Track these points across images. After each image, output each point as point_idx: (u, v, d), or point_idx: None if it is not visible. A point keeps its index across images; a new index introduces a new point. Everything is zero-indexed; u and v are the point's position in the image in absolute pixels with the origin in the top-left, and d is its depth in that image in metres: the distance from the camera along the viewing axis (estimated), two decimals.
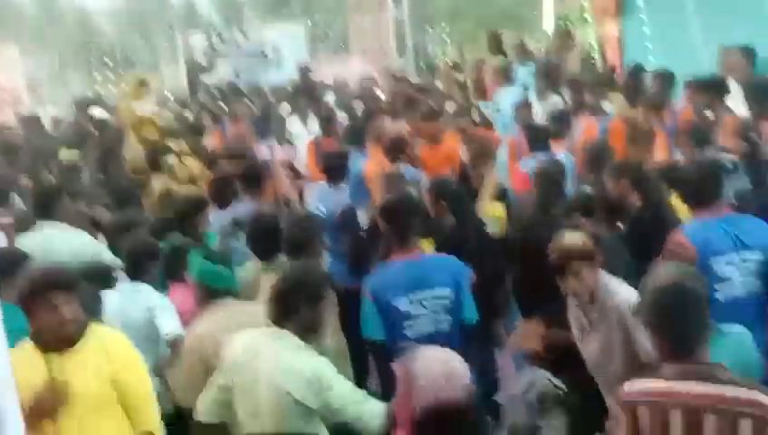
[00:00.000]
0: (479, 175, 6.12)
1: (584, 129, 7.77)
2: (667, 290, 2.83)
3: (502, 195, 6.68)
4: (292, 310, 3.45)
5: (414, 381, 2.75)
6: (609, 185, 5.21)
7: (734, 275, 4.15)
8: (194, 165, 7.81)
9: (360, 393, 3.47)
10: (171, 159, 7.71)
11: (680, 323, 2.79)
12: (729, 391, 2.69)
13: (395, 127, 8.08)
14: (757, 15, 8.51)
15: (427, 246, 4.83)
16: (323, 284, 3.57)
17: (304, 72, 13.40)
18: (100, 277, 4.69)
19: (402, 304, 4.14)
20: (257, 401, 3.42)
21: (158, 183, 7.35)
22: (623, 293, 3.79)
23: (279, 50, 18.86)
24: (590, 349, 3.97)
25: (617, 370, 3.77)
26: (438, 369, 2.76)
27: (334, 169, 6.52)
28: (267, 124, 10.06)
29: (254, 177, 6.11)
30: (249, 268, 4.75)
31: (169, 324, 4.35)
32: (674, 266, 3.23)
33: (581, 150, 6.55)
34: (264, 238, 4.73)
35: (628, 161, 5.73)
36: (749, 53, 8.49)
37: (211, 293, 4.20)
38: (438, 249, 4.86)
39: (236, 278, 4.36)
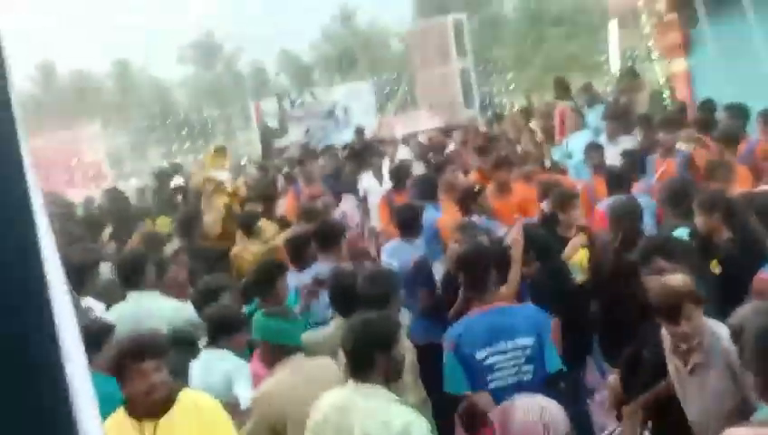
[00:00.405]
0: (565, 222, 6.07)
1: (660, 168, 7.67)
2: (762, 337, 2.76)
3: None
4: (367, 361, 3.46)
5: (512, 429, 2.75)
6: (700, 220, 5.03)
7: None
8: (270, 228, 7.97)
9: None
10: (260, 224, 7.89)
11: None
12: None
13: (466, 178, 8.15)
14: None
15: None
16: (392, 329, 3.58)
17: (359, 132, 13.66)
18: (189, 344, 4.80)
19: (484, 355, 4.14)
20: None
21: (252, 247, 7.50)
22: (726, 335, 3.66)
23: (348, 109, 19.24)
24: (693, 395, 3.81)
25: (727, 415, 3.61)
26: (536, 416, 2.76)
27: (407, 222, 6.56)
28: (338, 182, 10.26)
29: (330, 235, 6.19)
30: (334, 326, 4.82)
31: (247, 392, 4.42)
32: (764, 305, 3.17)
33: (661, 189, 6.26)
34: (345, 295, 4.80)
35: (717, 193, 5.38)
36: None
37: (275, 350, 4.21)
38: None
39: (300, 333, 4.35)
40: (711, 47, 10.27)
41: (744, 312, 3.20)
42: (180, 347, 4.46)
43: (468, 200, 6.94)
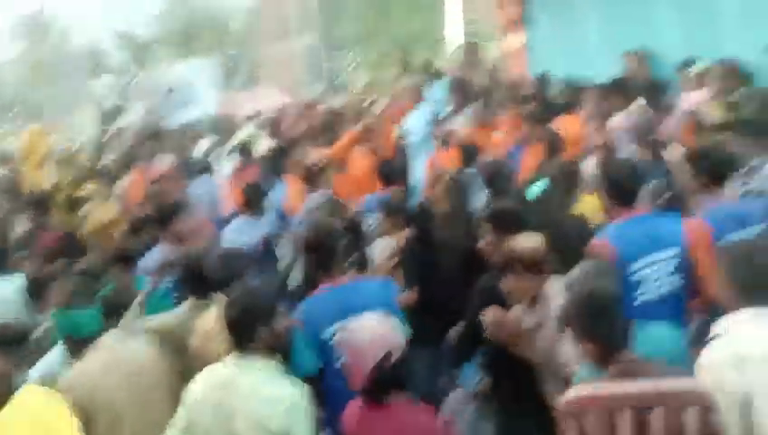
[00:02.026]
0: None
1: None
2: (590, 297, 2.93)
3: None
4: (250, 331, 3.38)
5: (353, 350, 3.06)
6: None
7: (655, 275, 4.22)
8: (108, 211, 7.65)
9: None
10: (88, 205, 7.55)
11: (607, 326, 2.89)
12: (669, 384, 2.76)
13: (313, 155, 8.10)
14: (650, 22, 8.85)
15: None
16: (273, 299, 3.52)
17: None
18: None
19: (331, 334, 4.07)
20: None
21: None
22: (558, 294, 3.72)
23: (191, 86, 18.70)
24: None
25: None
26: (373, 335, 3.07)
27: (252, 200, 6.47)
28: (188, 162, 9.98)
29: (165, 216, 5.95)
30: (186, 308, 4.65)
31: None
32: (587, 268, 3.32)
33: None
34: (195, 276, 4.65)
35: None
36: (646, 56, 8.85)
37: (80, 343, 3.94)
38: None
39: (97, 318, 4.03)
40: (545, 22, 10.66)
41: (575, 273, 3.35)
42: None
43: (314, 176, 6.90)
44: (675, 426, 2.71)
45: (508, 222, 4.34)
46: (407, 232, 5.49)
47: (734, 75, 7.01)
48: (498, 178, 5.85)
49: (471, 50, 12.65)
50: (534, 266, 3.79)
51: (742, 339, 2.96)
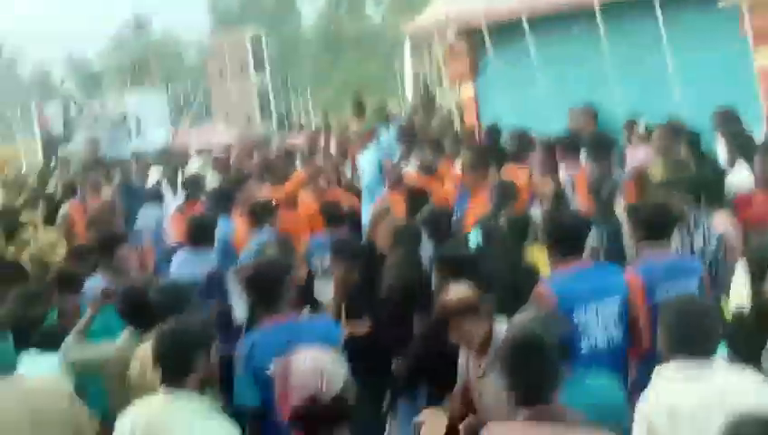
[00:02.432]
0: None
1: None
2: (515, 342, 2.96)
3: None
4: (184, 364, 3.31)
5: (288, 380, 2.91)
6: None
7: (596, 324, 4.27)
8: (50, 237, 7.51)
9: None
10: (27, 232, 7.39)
11: (528, 373, 2.89)
12: (578, 433, 2.80)
13: (260, 192, 8.11)
14: (597, 79, 9.13)
15: None
16: (208, 331, 3.45)
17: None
18: None
19: None
20: None
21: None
22: None
23: (140, 118, 18.59)
24: (485, 396, 3.92)
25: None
26: (312, 365, 2.90)
27: (199, 234, 6.44)
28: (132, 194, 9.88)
29: (107, 246, 5.88)
30: (123, 338, 4.57)
31: None
32: (529, 315, 3.38)
33: None
34: (136, 306, 4.57)
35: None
36: (592, 111, 9.10)
37: None
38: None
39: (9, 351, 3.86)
40: (495, 75, 10.87)
41: (516, 318, 3.41)
42: None
43: (264, 214, 6.88)
44: None
45: (453, 268, 4.41)
46: (353, 271, 5.52)
47: (677, 134, 7.25)
48: (439, 226, 5.93)
49: (426, 98, 12.88)
50: (467, 315, 3.81)
51: (674, 391, 3.05)
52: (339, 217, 6.76)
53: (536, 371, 2.88)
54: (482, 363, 3.90)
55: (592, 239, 5.60)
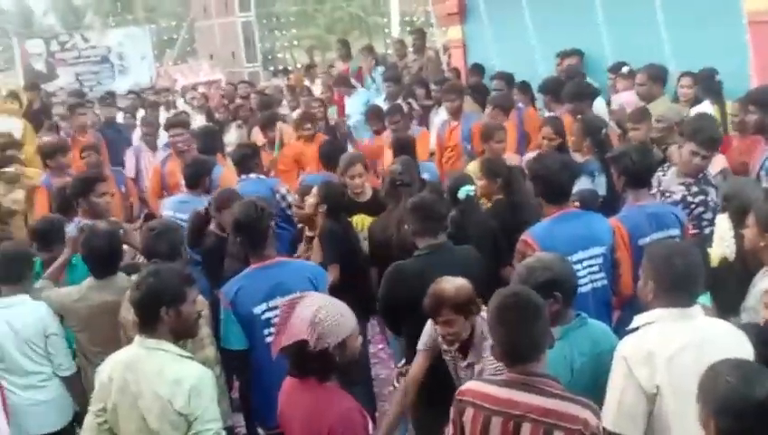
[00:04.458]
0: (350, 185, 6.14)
1: (449, 129, 7.98)
2: (502, 302, 2.96)
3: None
4: (154, 316, 3.34)
5: (287, 321, 2.93)
6: (482, 184, 5.45)
7: (582, 273, 4.27)
8: (35, 174, 7.45)
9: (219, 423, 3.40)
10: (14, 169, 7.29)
11: (513, 334, 2.89)
12: (549, 403, 2.83)
13: (245, 135, 8.07)
14: (584, 25, 9.09)
15: None
16: (180, 284, 3.44)
17: None
18: None
19: (261, 310, 4.15)
20: (141, 417, 3.30)
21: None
22: None
23: (123, 55, 18.30)
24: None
25: None
26: (309, 314, 2.91)
27: (195, 176, 6.36)
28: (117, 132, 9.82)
29: (87, 189, 5.66)
30: (86, 285, 4.56)
31: None
32: (525, 274, 3.40)
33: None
34: (99, 255, 4.54)
35: (495, 160, 5.89)
36: (580, 55, 9.07)
37: None
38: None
39: None
40: (484, 17, 10.79)
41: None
42: None
43: (248, 158, 6.78)
44: None
45: (428, 214, 4.42)
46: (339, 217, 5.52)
47: (659, 79, 7.26)
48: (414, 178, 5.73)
49: (418, 36, 12.73)
50: (462, 308, 3.72)
51: (655, 337, 3.09)
52: (333, 157, 6.55)
53: (522, 332, 2.89)
54: (465, 357, 3.84)
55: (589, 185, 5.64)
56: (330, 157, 6.63)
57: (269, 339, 3.98)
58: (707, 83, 7.02)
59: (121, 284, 4.43)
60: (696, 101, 6.93)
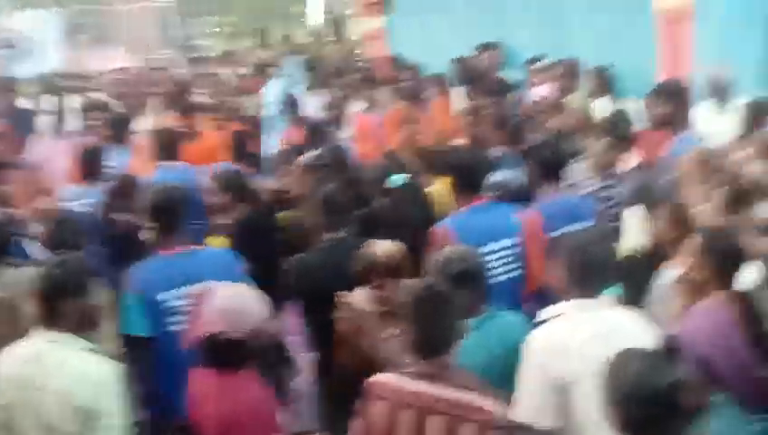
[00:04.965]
0: None
1: (358, 122, 7.95)
2: (415, 294, 2.92)
3: None
4: (54, 308, 3.22)
5: (200, 311, 2.92)
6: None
7: (494, 264, 4.33)
8: None
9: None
10: None
11: (425, 326, 2.86)
12: (456, 395, 2.80)
13: (159, 122, 7.86)
14: (504, 19, 9.20)
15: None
16: (83, 275, 3.31)
17: None
18: None
19: (166, 298, 4.03)
20: (44, 413, 3.15)
21: None
22: None
23: (31, 39, 17.64)
24: None
25: None
26: (222, 305, 2.90)
27: (91, 165, 6.20)
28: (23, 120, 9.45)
29: None
30: None
31: None
32: (441, 264, 3.38)
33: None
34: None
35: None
36: (498, 48, 9.19)
37: None
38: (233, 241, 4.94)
39: None
40: (406, 8, 10.81)
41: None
42: None
43: (165, 146, 6.62)
44: None
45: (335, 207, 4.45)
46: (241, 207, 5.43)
47: (574, 73, 7.42)
48: (339, 163, 5.81)
49: (337, 27, 12.71)
50: (394, 272, 3.73)
51: (563, 328, 3.12)
52: (244, 148, 6.51)
53: (436, 322, 2.86)
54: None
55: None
56: (241, 147, 6.55)
57: (173, 328, 3.90)
58: (600, 78, 7.26)
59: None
60: (598, 95, 7.14)
